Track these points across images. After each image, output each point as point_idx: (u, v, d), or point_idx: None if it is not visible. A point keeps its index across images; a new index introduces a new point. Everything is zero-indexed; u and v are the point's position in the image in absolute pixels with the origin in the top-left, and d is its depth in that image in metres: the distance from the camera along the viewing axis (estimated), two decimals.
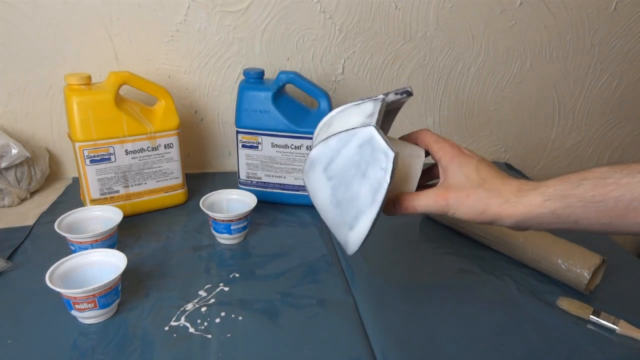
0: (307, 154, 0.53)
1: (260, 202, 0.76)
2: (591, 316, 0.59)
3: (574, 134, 1.19)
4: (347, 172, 0.44)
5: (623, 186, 0.38)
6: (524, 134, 1.16)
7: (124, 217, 0.69)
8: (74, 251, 0.64)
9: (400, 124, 1.07)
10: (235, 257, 0.71)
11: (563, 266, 0.64)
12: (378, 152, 0.42)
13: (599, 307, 0.60)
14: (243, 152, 0.83)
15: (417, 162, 0.50)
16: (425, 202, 0.46)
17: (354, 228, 0.45)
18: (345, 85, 1.00)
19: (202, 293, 0.62)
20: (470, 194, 0.44)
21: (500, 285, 0.66)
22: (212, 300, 0.60)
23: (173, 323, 0.56)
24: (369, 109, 0.47)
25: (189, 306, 0.59)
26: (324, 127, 0.51)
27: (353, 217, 0.44)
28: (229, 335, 0.54)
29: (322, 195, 0.47)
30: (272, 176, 0.84)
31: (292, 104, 0.82)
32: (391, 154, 0.41)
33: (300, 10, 0.91)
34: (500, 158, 1.18)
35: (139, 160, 0.78)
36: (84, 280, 0.56)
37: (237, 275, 0.66)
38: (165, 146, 0.79)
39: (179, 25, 0.89)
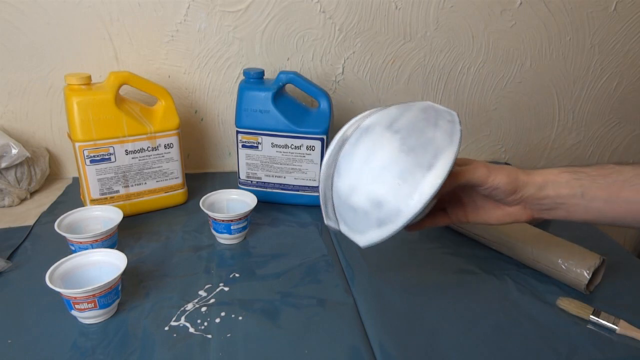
0: (342, 136, 0.51)
1: (260, 202, 0.76)
2: (591, 316, 0.59)
3: (574, 134, 1.19)
4: (417, 124, 0.48)
5: (618, 170, 0.48)
6: (524, 134, 1.16)
7: (124, 217, 0.69)
8: (74, 251, 0.64)
9: None
10: (235, 257, 0.71)
11: (563, 266, 0.64)
12: (442, 112, 0.50)
13: (599, 307, 0.60)
14: (243, 152, 0.83)
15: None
16: (473, 172, 0.50)
17: (433, 167, 0.45)
18: (345, 85, 1.00)
19: (202, 293, 0.62)
20: (503, 168, 0.51)
21: (500, 285, 0.66)
22: (212, 300, 0.60)
23: (173, 323, 0.56)
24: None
25: (189, 306, 0.59)
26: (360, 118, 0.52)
27: (432, 157, 0.46)
28: (229, 335, 0.54)
29: (387, 148, 0.46)
30: (272, 176, 0.84)
31: (292, 104, 0.82)
32: (454, 112, 0.50)
33: (300, 10, 0.91)
34: (500, 158, 1.18)
35: (139, 160, 0.78)
36: (84, 280, 0.56)
37: (237, 275, 0.66)
38: (165, 146, 0.79)
39: (179, 25, 0.89)
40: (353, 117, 0.53)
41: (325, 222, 0.53)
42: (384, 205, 0.46)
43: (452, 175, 0.49)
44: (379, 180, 0.46)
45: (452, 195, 0.55)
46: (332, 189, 0.50)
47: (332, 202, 0.51)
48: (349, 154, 0.48)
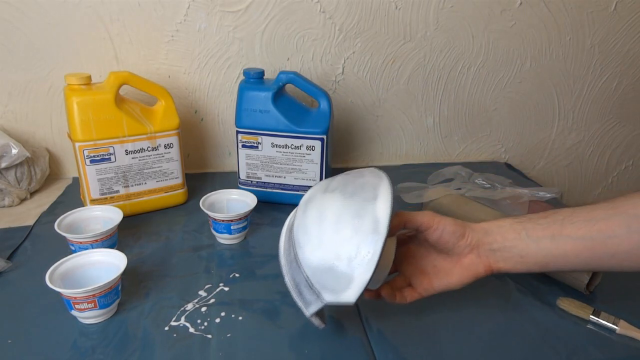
0: (289, 226, 0.54)
1: (260, 202, 0.76)
2: (591, 316, 0.59)
3: (574, 134, 1.19)
4: (346, 181, 0.51)
5: (556, 211, 0.51)
6: (524, 134, 1.16)
7: (124, 217, 0.69)
8: (74, 251, 0.64)
9: (401, 124, 1.07)
10: (235, 257, 0.71)
11: None
12: (364, 170, 0.53)
13: (599, 307, 0.60)
14: (243, 152, 0.83)
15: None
16: (420, 215, 0.51)
17: (377, 197, 0.48)
18: (345, 85, 1.01)
19: (202, 293, 0.62)
20: (450, 217, 0.52)
21: (500, 285, 0.66)
22: (212, 300, 0.60)
23: (173, 323, 0.56)
24: None
25: (189, 306, 0.59)
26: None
27: (372, 191, 0.48)
28: (229, 335, 0.54)
29: (333, 203, 0.49)
30: (272, 176, 0.84)
31: (292, 104, 0.82)
32: (371, 168, 0.52)
33: (300, 10, 0.91)
34: (500, 158, 1.18)
35: (139, 160, 0.78)
36: (84, 280, 0.56)
37: (237, 275, 0.66)
38: (165, 146, 0.79)
39: (179, 25, 0.89)
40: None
41: (307, 314, 0.49)
42: (359, 245, 0.46)
43: (400, 215, 0.50)
44: (342, 229, 0.47)
45: (413, 264, 0.55)
46: (299, 266, 0.49)
47: (305, 280, 0.49)
48: (302, 226, 0.50)
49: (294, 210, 0.54)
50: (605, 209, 0.48)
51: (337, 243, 0.46)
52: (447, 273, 0.53)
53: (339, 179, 0.53)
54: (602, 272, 0.66)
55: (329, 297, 0.47)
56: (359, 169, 0.54)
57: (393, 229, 0.50)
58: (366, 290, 0.47)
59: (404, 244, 0.57)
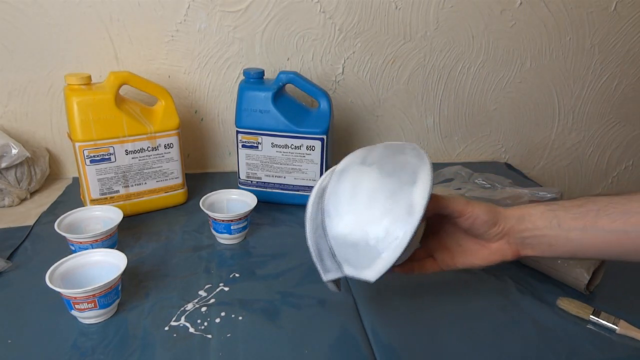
0: (319, 189, 0.52)
1: (260, 202, 0.76)
2: (591, 316, 0.59)
3: (574, 134, 1.19)
4: (386, 155, 0.50)
5: (592, 200, 0.49)
6: (524, 134, 1.16)
7: (124, 217, 0.69)
8: (74, 251, 0.64)
9: (401, 124, 1.07)
10: (235, 257, 0.71)
11: (563, 266, 0.64)
12: (404, 144, 0.52)
13: (599, 307, 0.60)
14: (243, 152, 0.83)
15: None
16: (453, 202, 0.51)
17: (416, 182, 0.46)
18: (345, 85, 1.00)
19: (202, 293, 0.62)
20: (481, 202, 0.52)
21: (500, 285, 0.66)
22: (212, 300, 0.60)
23: (173, 323, 0.56)
24: None
25: (189, 306, 0.59)
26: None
27: (411, 174, 0.47)
28: (229, 335, 0.54)
29: (369, 178, 0.48)
30: (272, 176, 0.84)
31: (292, 104, 0.82)
32: (414, 144, 0.51)
33: (300, 10, 0.91)
34: (500, 158, 1.18)
35: (139, 160, 0.78)
36: (84, 280, 0.56)
37: (237, 275, 0.66)
38: (165, 146, 0.79)
39: (179, 25, 0.89)
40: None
41: (324, 279, 0.50)
42: (387, 229, 0.45)
43: (434, 200, 0.50)
44: (372, 208, 0.46)
45: (437, 240, 0.55)
46: (325, 234, 0.49)
47: (329, 249, 0.49)
48: (334, 195, 0.49)
49: (327, 174, 0.52)
50: None
51: (367, 221, 0.46)
52: (472, 253, 0.53)
53: (379, 151, 0.51)
54: (602, 271, 0.66)
55: (350, 271, 0.47)
56: (400, 142, 0.53)
57: (426, 214, 0.48)
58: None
59: (429, 218, 0.55)
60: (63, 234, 0.63)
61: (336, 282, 0.52)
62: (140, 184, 0.79)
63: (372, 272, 0.46)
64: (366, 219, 0.46)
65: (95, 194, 0.76)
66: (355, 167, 0.49)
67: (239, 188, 0.84)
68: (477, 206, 0.50)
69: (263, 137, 0.81)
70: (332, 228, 0.48)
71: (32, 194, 0.87)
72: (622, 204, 0.48)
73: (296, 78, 0.80)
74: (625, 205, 0.47)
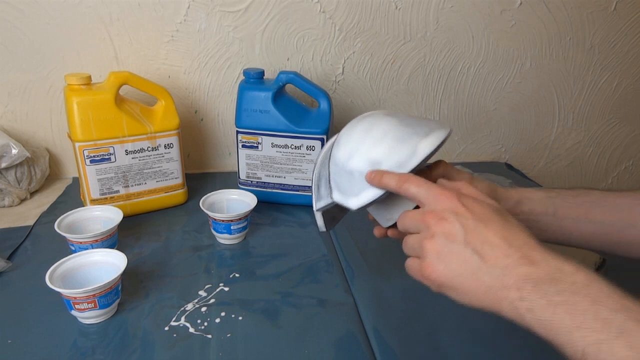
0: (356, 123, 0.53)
1: (260, 202, 0.76)
2: None
3: (574, 134, 1.19)
4: (411, 116, 0.51)
5: (586, 192, 0.50)
6: (524, 134, 1.16)
7: (124, 217, 0.69)
8: (74, 251, 0.64)
9: None
10: (235, 257, 0.71)
11: None
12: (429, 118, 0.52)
13: None
14: (243, 152, 0.83)
15: None
16: (458, 172, 0.51)
17: (428, 135, 0.47)
18: (345, 85, 1.00)
19: (202, 293, 0.62)
20: (486, 182, 0.51)
21: None
22: (212, 300, 0.60)
23: (173, 323, 0.56)
24: None
25: (189, 306, 0.59)
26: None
27: (427, 130, 0.48)
28: (229, 335, 0.54)
29: (387, 122, 0.49)
30: (272, 176, 0.84)
31: (292, 104, 0.82)
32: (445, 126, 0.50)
33: (300, 10, 0.91)
34: (500, 158, 1.18)
35: (139, 160, 0.78)
36: (84, 280, 0.56)
37: (237, 275, 0.66)
38: (165, 146, 0.79)
39: (179, 25, 0.89)
40: (352, 117, 0.54)
41: (315, 207, 0.53)
42: (382, 163, 0.47)
43: (443, 165, 0.51)
44: (379, 144, 0.48)
45: None
46: (329, 161, 0.52)
47: (328, 175, 0.52)
48: (350, 129, 0.51)
49: (357, 118, 0.54)
50: (631, 197, 0.49)
51: (369, 155, 0.48)
52: None
53: (405, 114, 0.53)
54: (602, 272, 0.66)
55: (337, 197, 0.50)
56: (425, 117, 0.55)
57: (433, 176, 0.50)
58: (377, 225, 0.51)
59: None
60: (63, 234, 0.63)
61: (330, 223, 0.56)
62: (140, 184, 0.79)
63: (357, 201, 0.48)
64: (369, 152, 0.48)
65: (95, 194, 0.76)
66: (379, 115, 0.51)
67: (239, 188, 0.84)
68: (480, 182, 0.50)
69: (263, 137, 0.81)
70: (337, 155, 0.51)
71: (32, 194, 0.87)
72: (612, 198, 0.50)
73: (296, 78, 0.80)
74: (616, 199, 0.49)
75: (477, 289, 0.38)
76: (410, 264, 0.44)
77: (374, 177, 0.46)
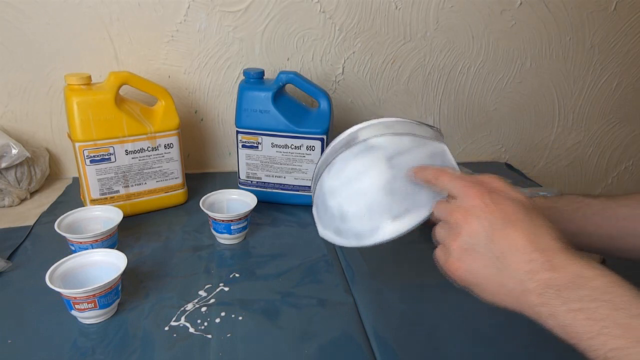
0: (351, 136, 0.53)
1: (260, 202, 0.76)
2: None
3: (574, 134, 1.19)
4: (411, 169, 0.48)
5: (588, 204, 0.51)
6: (524, 134, 1.16)
7: (124, 217, 0.69)
8: (74, 251, 0.64)
9: None
10: (235, 257, 0.71)
11: None
12: (448, 163, 0.50)
13: None
14: (243, 152, 0.83)
15: None
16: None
17: (397, 220, 0.47)
18: (345, 85, 1.00)
19: (202, 293, 0.62)
20: None
21: None
22: (212, 300, 0.60)
23: (173, 323, 0.56)
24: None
25: (189, 306, 0.59)
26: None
27: (403, 210, 0.47)
28: (229, 335, 0.54)
29: (374, 178, 0.49)
30: (272, 176, 0.84)
31: (292, 104, 0.82)
32: (458, 170, 0.48)
33: (300, 10, 0.91)
34: (500, 158, 1.18)
35: (139, 160, 0.78)
36: (84, 280, 0.56)
37: (237, 275, 0.66)
38: (165, 146, 0.79)
39: (179, 25, 0.89)
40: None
41: (312, 191, 0.58)
42: (346, 221, 0.51)
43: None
44: (353, 201, 0.50)
45: None
46: (320, 176, 0.55)
47: (315, 185, 0.56)
48: (345, 161, 0.52)
49: (370, 126, 0.52)
50: (632, 207, 0.49)
51: (342, 204, 0.51)
52: None
53: (413, 157, 0.50)
54: None
55: (314, 212, 0.57)
56: (447, 158, 0.51)
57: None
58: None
59: None
60: (63, 234, 0.63)
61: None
62: (140, 184, 0.79)
63: (322, 231, 0.55)
64: (345, 203, 0.51)
65: (95, 194, 0.76)
66: (380, 156, 0.49)
67: (239, 188, 0.84)
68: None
69: (263, 137, 0.81)
70: (324, 183, 0.54)
71: (32, 194, 0.87)
72: (612, 208, 0.50)
73: (296, 78, 0.80)
74: (617, 210, 0.50)
75: (499, 290, 0.39)
76: (439, 255, 0.44)
77: (417, 175, 0.48)
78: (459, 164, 0.53)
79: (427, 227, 0.57)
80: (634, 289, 0.34)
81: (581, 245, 0.49)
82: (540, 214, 0.40)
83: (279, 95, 0.80)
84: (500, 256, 0.38)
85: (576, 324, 0.34)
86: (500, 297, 0.40)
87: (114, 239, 0.68)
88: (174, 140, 0.80)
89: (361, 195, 0.49)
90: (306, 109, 0.83)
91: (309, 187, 0.84)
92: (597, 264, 0.36)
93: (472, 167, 0.94)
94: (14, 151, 0.80)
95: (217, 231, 0.73)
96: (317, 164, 0.57)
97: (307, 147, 0.81)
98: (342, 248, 0.73)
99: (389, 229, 0.48)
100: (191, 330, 0.55)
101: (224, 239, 0.73)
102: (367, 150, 0.50)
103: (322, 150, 0.81)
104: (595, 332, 0.33)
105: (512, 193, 0.42)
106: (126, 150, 0.76)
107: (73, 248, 0.65)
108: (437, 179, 0.45)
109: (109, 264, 0.58)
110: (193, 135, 0.99)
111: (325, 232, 0.55)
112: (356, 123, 0.53)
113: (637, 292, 0.34)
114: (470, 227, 0.40)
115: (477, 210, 0.40)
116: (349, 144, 0.52)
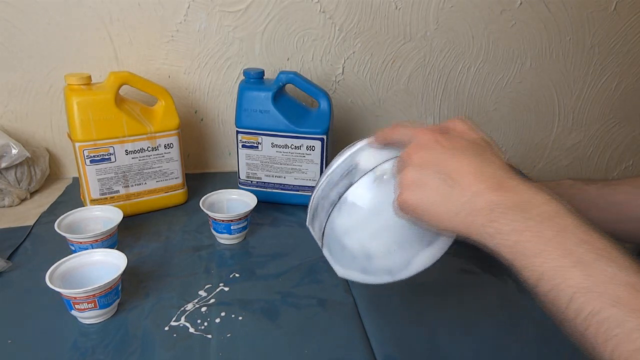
0: (348, 163, 0.48)
1: (260, 202, 0.76)
2: None
3: (574, 134, 1.19)
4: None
5: (584, 190, 0.52)
6: (524, 134, 1.16)
7: (124, 217, 0.69)
8: (74, 251, 0.64)
9: None
10: (235, 257, 0.71)
11: None
12: None
13: None
14: (243, 152, 0.83)
15: None
16: None
17: (431, 245, 0.45)
18: (345, 85, 1.00)
19: (202, 293, 0.62)
20: None
21: (500, 285, 0.66)
22: (212, 300, 0.60)
23: (173, 323, 0.56)
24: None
25: (189, 306, 0.59)
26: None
27: (434, 234, 0.45)
28: (229, 335, 0.54)
29: (393, 225, 0.45)
30: (272, 176, 0.84)
31: (292, 104, 0.82)
32: None
33: (300, 10, 0.91)
34: None
35: (139, 160, 0.78)
36: (84, 280, 0.56)
37: (237, 275, 0.66)
38: (165, 146, 0.79)
39: (179, 25, 0.89)
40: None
41: (307, 224, 0.53)
42: (374, 260, 0.47)
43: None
44: (377, 238, 0.46)
45: None
46: (328, 216, 0.48)
47: (324, 226, 0.49)
48: (359, 198, 0.46)
49: (356, 151, 0.49)
50: (626, 193, 0.50)
51: (364, 243, 0.47)
52: None
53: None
54: None
55: (326, 253, 0.52)
56: None
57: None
58: None
59: None
60: (63, 234, 0.63)
61: None
62: (140, 184, 0.79)
63: (343, 272, 0.50)
64: (366, 241, 0.47)
65: (95, 194, 0.76)
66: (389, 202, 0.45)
67: (239, 188, 0.84)
68: None
69: (263, 137, 0.81)
70: (336, 222, 0.48)
71: (32, 194, 0.87)
72: (607, 195, 0.51)
73: (296, 78, 0.80)
74: (612, 196, 0.50)
75: (447, 212, 0.39)
76: (395, 194, 0.43)
77: (376, 141, 0.47)
78: None
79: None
80: (580, 218, 0.34)
81: (632, 233, 0.51)
82: (497, 154, 0.40)
83: (279, 95, 0.80)
84: (449, 179, 0.38)
85: (519, 244, 0.34)
86: (449, 222, 0.39)
87: (114, 239, 0.68)
88: (174, 140, 0.80)
89: (385, 231, 0.45)
90: (306, 109, 0.83)
91: (309, 187, 0.84)
92: (547, 192, 0.36)
93: None
94: (14, 151, 0.80)
95: (217, 231, 0.73)
96: (312, 196, 0.51)
97: (307, 147, 0.81)
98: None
99: (425, 257, 0.45)
100: (191, 330, 0.55)
101: (224, 239, 0.73)
102: (378, 180, 0.46)
103: (322, 150, 0.81)
104: (537, 252, 0.33)
105: (472, 134, 0.42)
106: (126, 150, 0.76)
107: (73, 248, 0.65)
108: (393, 133, 0.44)
109: (109, 264, 0.58)
110: (193, 135, 0.99)
111: (349, 272, 0.49)
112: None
113: (583, 219, 0.34)
114: (418, 156, 0.40)
115: (428, 144, 0.40)
116: (351, 174, 0.47)
